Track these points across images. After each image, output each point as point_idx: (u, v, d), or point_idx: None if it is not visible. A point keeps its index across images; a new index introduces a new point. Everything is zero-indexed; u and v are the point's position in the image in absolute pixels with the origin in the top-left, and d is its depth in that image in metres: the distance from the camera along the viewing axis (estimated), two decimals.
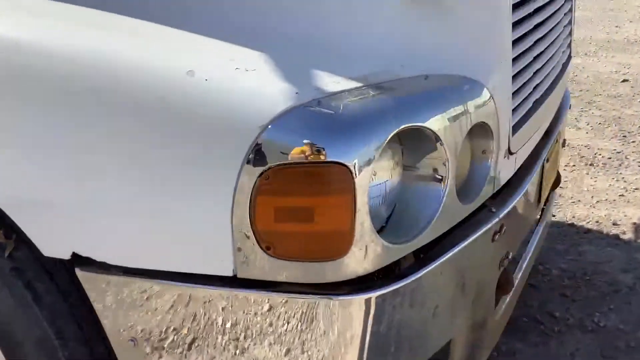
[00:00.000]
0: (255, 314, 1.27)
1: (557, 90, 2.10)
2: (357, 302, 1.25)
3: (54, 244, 1.34)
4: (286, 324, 1.27)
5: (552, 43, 1.95)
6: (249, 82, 1.23)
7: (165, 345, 1.36)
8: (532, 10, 1.70)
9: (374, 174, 1.25)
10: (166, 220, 1.25)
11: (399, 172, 1.35)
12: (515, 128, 1.66)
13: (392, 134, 1.22)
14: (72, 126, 1.26)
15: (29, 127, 1.29)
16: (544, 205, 2.28)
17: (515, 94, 1.63)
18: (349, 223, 1.19)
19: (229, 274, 1.25)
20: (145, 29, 1.33)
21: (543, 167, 2.00)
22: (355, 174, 1.17)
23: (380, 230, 1.32)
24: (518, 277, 2.03)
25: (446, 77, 1.45)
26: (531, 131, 1.82)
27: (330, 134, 1.17)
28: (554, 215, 3.28)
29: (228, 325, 1.29)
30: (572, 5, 2.30)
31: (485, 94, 1.49)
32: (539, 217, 2.24)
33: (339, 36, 1.42)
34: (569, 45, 2.36)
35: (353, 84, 1.29)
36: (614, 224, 3.40)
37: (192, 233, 1.25)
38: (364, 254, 1.24)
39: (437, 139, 1.33)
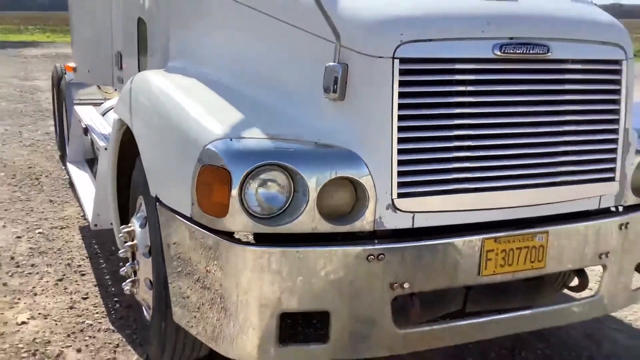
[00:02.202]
0: (190, 237, 2.58)
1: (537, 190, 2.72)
2: (223, 245, 2.46)
3: (153, 187, 2.88)
4: (201, 250, 2.55)
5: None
6: (215, 126, 2.57)
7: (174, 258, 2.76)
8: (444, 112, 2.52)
9: (260, 182, 2.42)
10: (170, 179, 2.68)
11: (290, 184, 2.46)
12: (406, 193, 2.53)
13: (258, 162, 2.40)
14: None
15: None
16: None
17: (405, 173, 2.51)
18: (227, 200, 2.42)
19: (189, 215, 2.59)
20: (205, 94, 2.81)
21: (485, 244, 2.68)
22: (233, 176, 2.39)
23: (288, 212, 2.45)
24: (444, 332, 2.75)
25: (330, 146, 2.50)
26: (441, 205, 2.59)
27: (227, 154, 2.43)
28: None
29: (186, 245, 2.63)
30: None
31: (359, 163, 2.47)
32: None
33: (283, 106, 2.65)
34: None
35: (261, 135, 2.50)
36: None
37: (178, 191, 2.63)
38: (236, 219, 2.43)
39: (300, 176, 2.42)
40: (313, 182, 2.43)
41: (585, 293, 3.28)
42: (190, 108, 2.77)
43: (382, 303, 2.60)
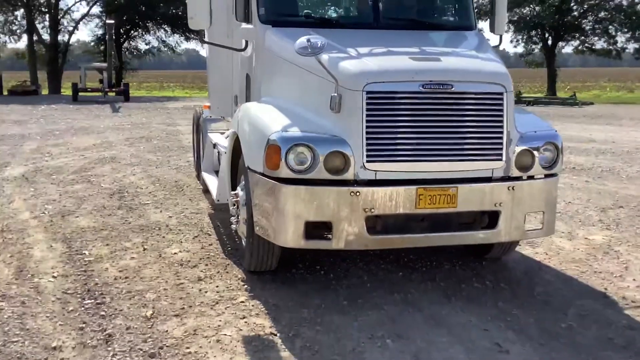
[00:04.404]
0: (261, 183, 5.09)
1: (444, 162, 4.99)
2: (276, 185, 4.95)
3: (246, 161, 5.43)
4: (267, 190, 5.04)
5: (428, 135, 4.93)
6: (274, 126, 5.08)
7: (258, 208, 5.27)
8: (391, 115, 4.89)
9: (296, 154, 4.89)
10: (254, 155, 5.20)
11: (312, 155, 4.90)
12: (371, 160, 4.89)
13: (293, 143, 4.88)
14: None
15: None
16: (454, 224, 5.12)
17: (369, 150, 4.89)
18: (279, 161, 4.90)
19: (261, 171, 5.10)
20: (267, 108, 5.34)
21: (418, 191, 4.97)
22: (282, 148, 4.89)
23: (309, 168, 4.91)
24: (397, 239, 5.06)
25: (332, 136, 4.92)
26: (392, 168, 4.92)
27: (282, 139, 4.92)
28: None
29: (259, 188, 5.13)
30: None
31: (346, 145, 4.88)
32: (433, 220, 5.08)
33: (312, 117, 5.11)
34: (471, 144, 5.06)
35: (297, 130, 4.98)
36: None
37: (257, 160, 5.13)
38: (283, 171, 4.91)
39: (314, 150, 4.87)
40: (322, 153, 4.87)
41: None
42: (264, 118, 5.30)
43: (360, 219, 4.95)
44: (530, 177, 5.42)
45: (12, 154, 13.14)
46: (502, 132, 5.13)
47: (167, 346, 4.41)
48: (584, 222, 8.00)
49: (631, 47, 44.99)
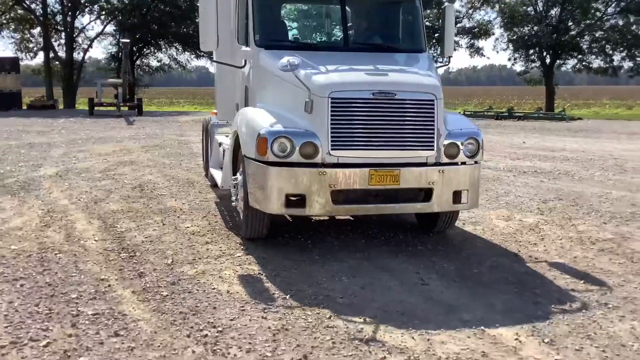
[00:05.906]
0: (253, 166, 6.84)
1: (392, 151, 6.72)
2: (264, 167, 6.69)
3: (243, 150, 7.17)
4: (258, 171, 6.79)
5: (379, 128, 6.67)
6: (264, 124, 6.83)
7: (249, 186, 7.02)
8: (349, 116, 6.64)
9: (278, 143, 6.63)
10: (249, 145, 6.96)
11: (290, 144, 6.64)
12: (334, 149, 6.62)
13: (277, 135, 6.62)
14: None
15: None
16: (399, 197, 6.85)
17: (333, 141, 6.62)
18: (266, 149, 6.65)
19: (254, 157, 6.84)
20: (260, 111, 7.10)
21: (370, 172, 6.69)
22: (268, 140, 6.64)
23: (289, 154, 6.65)
24: (354, 208, 6.80)
25: (306, 131, 6.66)
26: (350, 155, 6.65)
27: (268, 132, 6.66)
28: None
29: (252, 170, 6.88)
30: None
31: (315, 137, 6.63)
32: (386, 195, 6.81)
33: (292, 117, 6.85)
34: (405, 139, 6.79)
35: (279, 126, 6.73)
36: None
37: (251, 149, 6.88)
38: (269, 156, 6.66)
39: (292, 141, 6.62)
40: (298, 143, 6.60)
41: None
42: (256, 119, 7.05)
43: (326, 192, 6.66)
44: (463, 163, 7.13)
45: (44, 158, 14.96)
46: (433, 129, 6.86)
47: (183, 279, 6.14)
48: (524, 209, 9.69)
49: (626, 65, 46.46)
